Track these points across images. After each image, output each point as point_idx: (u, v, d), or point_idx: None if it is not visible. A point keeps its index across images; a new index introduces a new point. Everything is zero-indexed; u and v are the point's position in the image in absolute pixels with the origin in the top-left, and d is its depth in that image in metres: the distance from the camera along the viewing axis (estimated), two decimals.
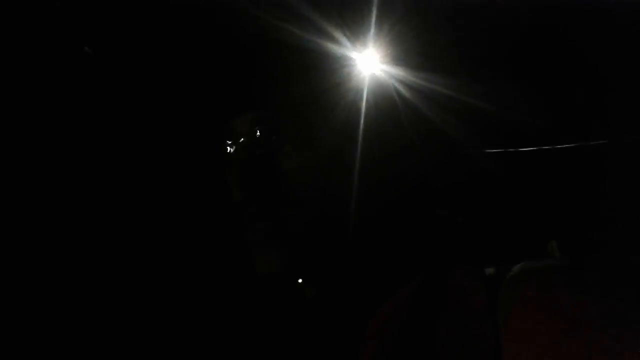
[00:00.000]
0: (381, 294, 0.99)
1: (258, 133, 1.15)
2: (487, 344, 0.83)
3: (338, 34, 2.74)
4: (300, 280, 1.39)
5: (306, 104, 2.68)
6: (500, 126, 2.49)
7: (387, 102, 3.00)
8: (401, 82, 2.99)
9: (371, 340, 0.92)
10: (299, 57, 2.57)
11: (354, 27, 2.76)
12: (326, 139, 2.47)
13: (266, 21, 2.34)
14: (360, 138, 2.81)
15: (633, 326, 0.84)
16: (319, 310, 1.07)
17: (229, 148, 1.23)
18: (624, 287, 0.84)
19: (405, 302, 0.93)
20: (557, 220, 2.38)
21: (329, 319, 1.01)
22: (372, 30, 2.85)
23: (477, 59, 2.90)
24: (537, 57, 2.42)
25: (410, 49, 2.89)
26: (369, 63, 2.87)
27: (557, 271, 0.90)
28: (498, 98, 2.70)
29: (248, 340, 1.19)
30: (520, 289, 0.85)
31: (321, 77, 2.71)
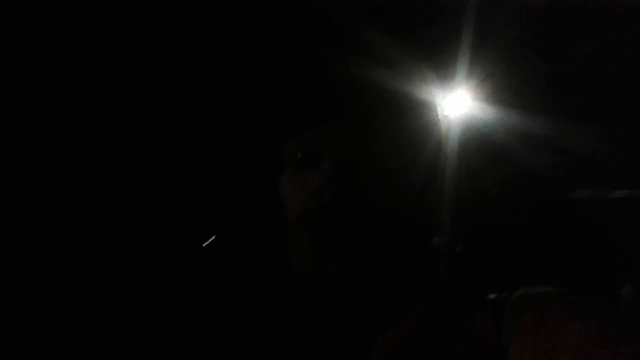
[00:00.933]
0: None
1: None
2: None
3: (426, 75, 2.74)
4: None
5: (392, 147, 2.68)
6: (593, 170, 2.39)
7: (478, 143, 2.96)
8: (493, 122, 2.95)
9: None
10: (385, 100, 2.58)
11: (443, 67, 2.75)
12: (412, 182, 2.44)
13: (350, 65, 2.37)
14: (447, 179, 2.77)
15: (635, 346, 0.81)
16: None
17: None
18: (624, 312, 0.81)
19: (412, 328, 0.96)
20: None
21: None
22: (463, 70, 2.83)
23: (575, 99, 2.81)
24: None
25: (501, 88, 2.85)
26: (459, 103, 2.85)
27: (558, 296, 0.93)
28: (596, 140, 2.61)
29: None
30: (521, 314, 0.86)
31: (409, 120, 2.71)
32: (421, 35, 2.63)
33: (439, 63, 2.80)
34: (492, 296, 1.03)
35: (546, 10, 2.64)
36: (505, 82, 2.81)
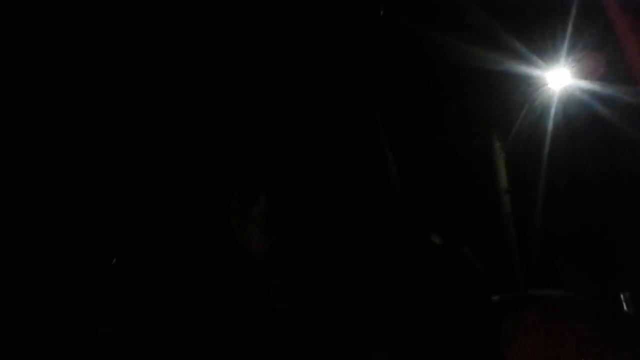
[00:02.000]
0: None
1: None
2: None
3: (528, 52, 2.81)
4: None
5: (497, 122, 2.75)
6: None
7: (580, 119, 3.00)
8: (594, 96, 2.98)
9: None
10: (486, 77, 2.67)
11: (545, 44, 2.81)
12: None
13: (451, 44, 2.47)
14: (546, 154, 2.85)
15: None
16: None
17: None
18: (626, 315, 0.78)
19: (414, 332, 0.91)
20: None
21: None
22: (565, 46, 2.86)
23: None
24: None
25: (604, 62, 2.86)
26: (560, 79, 2.90)
27: (560, 299, 0.89)
28: None
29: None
30: (522, 315, 0.84)
31: (509, 97, 2.79)
32: (526, 12, 2.68)
33: (543, 38, 2.85)
34: (494, 297, 0.95)
35: None
36: (608, 57, 2.83)
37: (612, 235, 2.67)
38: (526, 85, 3.11)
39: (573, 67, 3.09)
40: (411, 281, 0.93)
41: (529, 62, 3.06)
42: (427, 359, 0.86)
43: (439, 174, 2.74)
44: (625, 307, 1.64)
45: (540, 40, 2.99)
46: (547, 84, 3.12)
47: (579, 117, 3.05)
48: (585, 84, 3.09)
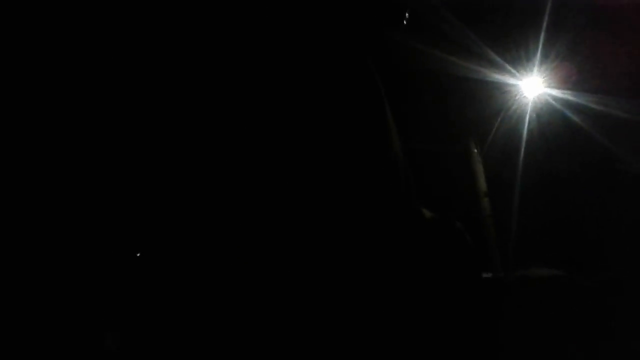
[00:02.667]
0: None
1: None
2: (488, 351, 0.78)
3: (502, 62, 2.90)
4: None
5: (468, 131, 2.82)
6: None
7: (552, 126, 3.08)
8: (567, 105, 3.07)
9: None
10: (462, 85, 2.75)
11: (518, 53, 2.90)
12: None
13: (427, 52, 2.55)
14: (521, 158, 2.93)
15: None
16: None
17: None
18: (618, 295, 0.74)
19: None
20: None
21: None
22: (538, 55, 2.95)
23: None
24: None
25: (576, 71, 2.94)
26: (533, 88, 2.99)
27: (555, 281, 0.84)
28: None
29: None
30: (518, 297, 0.81)
31: (484, 104, 2.87)
32: (497, 20, 2.77)
33: (516, 47, 2.94)
34: (487, 275, 0.93)
35: None
36: (581, 66, 2.91)
37: (583, 230, 2.77)
38: (501, 93, 3.22)
39: (545, 76, 3.21)
40: (403, 254, 0.89)
41: (503, 71, 3.18)
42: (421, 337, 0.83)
43: (417, 178, 2.81)
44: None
45: (514, 50, 3.10)
46: (521, 92, 3.23)
47: (552, 123, 3.16)
48: (557, 92, 3.20)
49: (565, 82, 3.17)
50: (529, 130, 3.25)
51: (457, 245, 0.95)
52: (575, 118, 3.07)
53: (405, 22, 2.37)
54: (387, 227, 0.95)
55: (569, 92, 3.14)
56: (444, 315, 0.90)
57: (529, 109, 3.26)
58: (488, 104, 3.27)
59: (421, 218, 0.95)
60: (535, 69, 3.14)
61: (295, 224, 0.92)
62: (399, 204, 1.00)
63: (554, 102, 3.20)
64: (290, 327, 0.91)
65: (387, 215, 0.96)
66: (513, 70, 3.14)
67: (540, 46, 3.09)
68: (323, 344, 0.93)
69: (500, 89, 3.25)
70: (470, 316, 0.89)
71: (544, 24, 2.95)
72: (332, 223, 0.93)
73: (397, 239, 0.94)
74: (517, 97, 3.22)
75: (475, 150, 3.11)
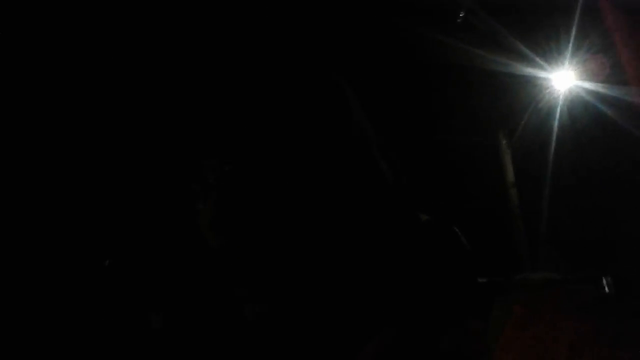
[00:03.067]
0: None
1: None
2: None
3: (533, 55, 2.88)
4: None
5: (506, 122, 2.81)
6: None
7: (584, 119, 3.05)
8: (599, 98, 3.04)
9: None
10: (491, 79, 2.74)
11: (549, 46, 2.88)
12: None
13: (456, 45, 2.55)
14: (552, 152, 2.91)
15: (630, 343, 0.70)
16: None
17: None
18: (618, 302, 0.72)
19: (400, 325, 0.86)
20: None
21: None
22: (569, 48, 2.92)
23: None
24: None
25: (608, 64, 2.92)
26: (564, 81, 2.97)
27: (553, 287, 0.82)
28: None
29: None
30: (513, 305, 0.80)
31: (514, 98, 2.86)
32: (528, 13, 2.76)
33: (547, 40, 2.92)
34: (483, 280, 0.87)
35: None
36: (613, 58, 2.88)
37: (614, 225, 2.73)
38: (531, 86, 3.20)
39: (577, 69, 3.17)
40: (397, 258, 0.87)
41: (534, 64, 3.15)
42: (412, 344, 0.81)
43: (446, 169, 2.81)
44: (607, 291, 1.66)
45: (545, 43, 3.08)
46: (551, 86, 3.20)
47: (583, 117, 3.13)
48: (589, 85, 3.16)
49: (597, 75, 3.13)
50: (560, 124, 3.22)
51: (452, 249, 0.93)
52: (607, 111, 3.03)
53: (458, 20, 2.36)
54: (380, 231, 0.94)
55: (601, 85, 3.10)
56: (435, 317, 0.89)
57: (560, 103, 3.23)
58: (518, 97, 3.25)
59: (416, 221, 0.93)
60: (567, 62, 3.11)
61: (286, 226, 0.93)
62: (392, 208, 0.98)
63: (585, 95, 3.17)
64: (287, 324, 0.92)
65: (381, 219, 0.96)
66: (544, 64, 3.11)
67: (572, 39, 3.06)
68: (316, 341, 0.93)
69: (530, 83, 3.22)
70: (461, 319, 0.87)
71: (576, 16, 2.92)
72: (324, 227, 0.93)
73: (391, 242, 0.93)
74: (547, 91, 3.19)
75: (505, 143, 3.10)
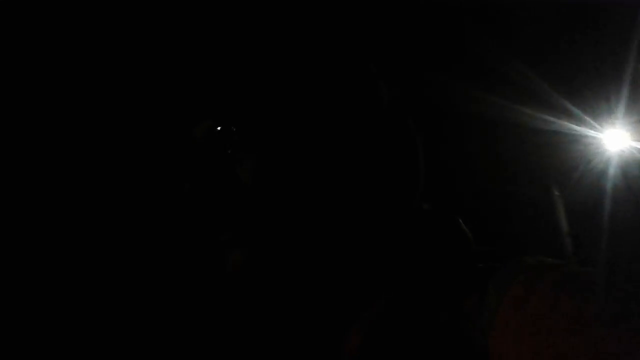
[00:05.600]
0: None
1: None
2: (474, 346, 0.75)
3: (582, 114, 2.82)
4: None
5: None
6: None
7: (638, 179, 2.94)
8: None
9: (352, 344, 0.82)
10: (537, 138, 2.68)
11: (600, 106, 2.81)
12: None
13: (502, 103, 2.52)
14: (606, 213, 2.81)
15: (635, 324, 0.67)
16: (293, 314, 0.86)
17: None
18: (622, 284, 0.68)
19: (389, 305, 0.84)
20: None
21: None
22: (621, 107, 2.85)
23: None
24: None
25: None
26: (616, 141, 2.88)
27: (551, 268, 0.79)
28: None
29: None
30: (508, 287, 0.78)
31: (563, 158, 2.78)
32: (578, 73, 2.71)
33: (597, 99, 2.85)
34: (480, 265, 0.85)
35: None
36: None
37: None
38: (581, 146, 3.11)
39: (630, 128, 3.07)
40: (392, 242, 0.87)
41: (584, 124, 3.06)
42: (403, 335, 0.79)
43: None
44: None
45: (595, 102, 3.00)
46: (603, 146, 3.10)
47: (638, 179, 3.00)
48: None
49: None
50: (613, 186, 3.10)
51: (450, 233, 0.91)
52: None
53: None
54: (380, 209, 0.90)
55: None
56: (430, 295, 0.85)
57: (612, 163, 3.12)
58: (567, 157, 3.15)
59: (419, 211, 0.92)
60: (619, 121, 3.02)
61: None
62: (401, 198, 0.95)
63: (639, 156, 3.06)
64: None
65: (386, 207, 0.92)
66: (594, 123, 3.03)
67: (623, 98, 2.97)
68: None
69: (580, 142, 3.14)
70: (456, 299, 0.84)
71: (627, 74, 2.85)
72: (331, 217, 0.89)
73: (392, 230, 0.90)
74: (599, 151, 3.09)
75: (557, 194, 3.00)
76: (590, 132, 3.03)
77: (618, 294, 0.71)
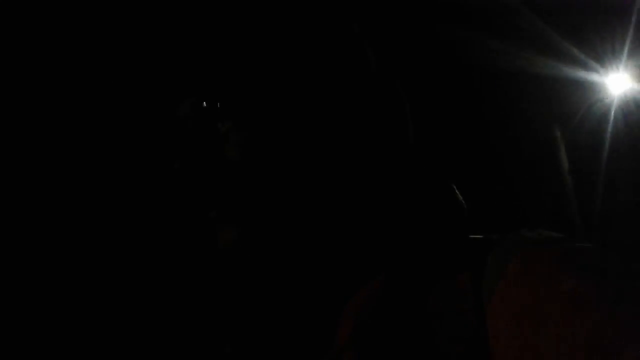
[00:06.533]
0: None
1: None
2: (469, 323, 0.71)
3: (585, 58, 2.81)
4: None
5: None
6: None
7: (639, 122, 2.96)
8: None
9: (347, 321, 0.79)
10: (541, 83, 2.69)
11: (603, 49, 2.80)
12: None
13: (503, 50, 2.52)
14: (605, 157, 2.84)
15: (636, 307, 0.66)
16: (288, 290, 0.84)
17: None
18: (622, 263, 0.66)
19: (383, 283, 0.80)
20: None
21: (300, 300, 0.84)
22: (625, 51, 2.84)
23: None
24: None
25: None
26: (619, 84, 2.89)
27: (552, 244, 0.75)
28: None
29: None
30: (506, 262, 0.73)
31: (565, 103, 2.79)
32: (579, 13, 2.68)
33: (601, 42, 2.84)
34: (477, 237, 0.82)
35: None
36: None
37: None
38: (584, 90, 3.11)
39: (633, 71, 3.07)
40: (383, 214, 0.84)
41: (586, 68, 3.06)
42: (398, 313, 0.76)
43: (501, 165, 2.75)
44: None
45: (598, 45, 2.99)
46: (606, 89, 3.11)
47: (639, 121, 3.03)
48: None
49: None
50: (614, 129, 3.13)
51: (444, 202, 0.88)
52: None
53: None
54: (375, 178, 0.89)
55: None
56: (425, 268, 0.84)
57: (614, 106, 3.13)
58: (569, 102, 3.16)
59: (410, 179, 0.89)
60: (622, 64, 3.02)
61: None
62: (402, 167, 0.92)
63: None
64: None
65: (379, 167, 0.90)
66: (597, 66, 3.02)
67: (627, 41, 2.96)
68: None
69: (583, 86, 3.13)
70: (452, 273, 0.82)
71: (633, 17, 2.83)
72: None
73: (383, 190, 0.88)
74: (601, 95, 3.10)
75: (559, 135, 3.02)
76: (594, 76, 3.04)
77: (619, 273, 0.67)
